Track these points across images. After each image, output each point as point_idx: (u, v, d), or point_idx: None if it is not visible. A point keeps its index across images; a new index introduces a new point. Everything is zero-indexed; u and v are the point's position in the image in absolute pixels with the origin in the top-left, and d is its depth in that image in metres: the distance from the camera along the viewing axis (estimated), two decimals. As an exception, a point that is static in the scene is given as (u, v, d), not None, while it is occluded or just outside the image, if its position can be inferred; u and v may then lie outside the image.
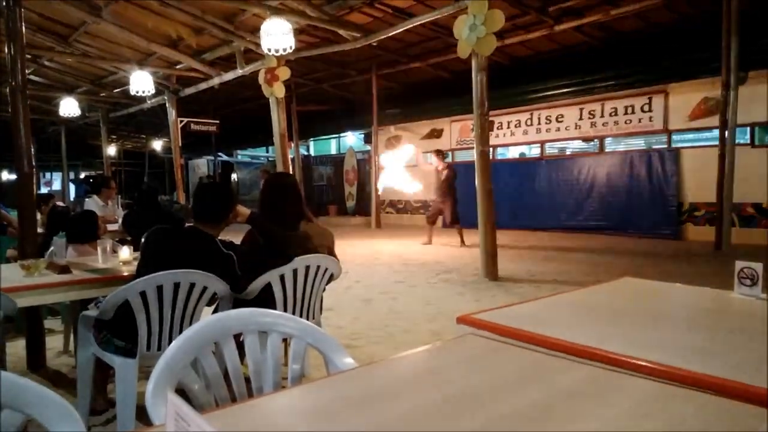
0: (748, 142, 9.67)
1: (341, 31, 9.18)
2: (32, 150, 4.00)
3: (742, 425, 0.98)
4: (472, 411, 1.03)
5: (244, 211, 2.91)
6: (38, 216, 4.93)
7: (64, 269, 2.97)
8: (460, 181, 10.12)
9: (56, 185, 24.44)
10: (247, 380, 1.51)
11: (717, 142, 8.93)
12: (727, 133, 8.58)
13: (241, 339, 1.54)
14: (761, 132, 9.80)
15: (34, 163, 3.97)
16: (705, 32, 9.31)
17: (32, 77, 12.85)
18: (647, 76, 10.60)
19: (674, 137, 10.78)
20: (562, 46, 11.46)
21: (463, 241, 9.91)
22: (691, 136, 10.75)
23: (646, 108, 10.92)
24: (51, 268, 3.01)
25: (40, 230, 4.48)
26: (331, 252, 3.24)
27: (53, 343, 4.14)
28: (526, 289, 6.27)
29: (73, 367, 3.63)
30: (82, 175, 26.22)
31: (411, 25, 8.61)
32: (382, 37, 9.03)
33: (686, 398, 1.07)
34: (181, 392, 1.32)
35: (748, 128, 9.59)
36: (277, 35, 6.99)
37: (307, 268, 2.93)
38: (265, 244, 2.95)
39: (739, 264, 1.87)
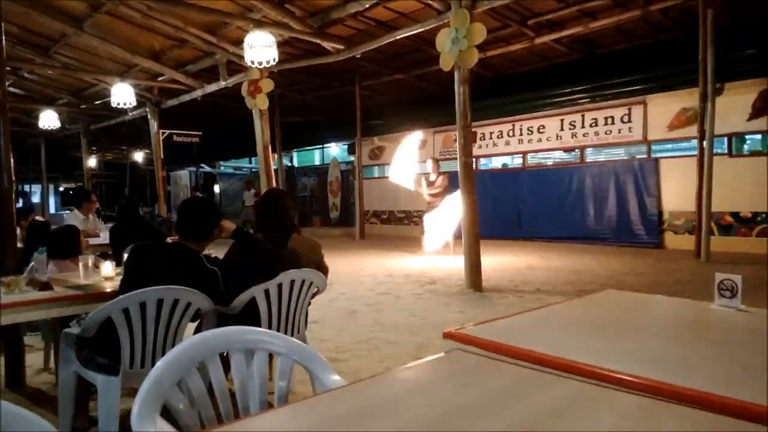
0: (726, 151, 9.83)
1: (324, 44, 9.21)
2: (12, 164, 3.95)
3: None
4: (459, 429, 1.03)
5: (229, 226, 2.90)
6: (17, 231, 4.86)
7: (45, 286, 2.94)
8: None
9: (36, 198, 24.09)
10: (233, 395, 1.50)
11: (695, 152, 9.08)
12: (705, 143, 8.73)
13: (225, 354, 1.54)
14: (738, 142, 9.99)
15: (14, 178, 3.91)
16: (682, 44, 9.49)
17: (12, 89, 12.71)
18: (626, 87, 10.77)
19: (653, 147, 10.94)
20: (543, 58, 11.61)
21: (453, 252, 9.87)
22: (669, 146, 10.92)
23: (625, 119, 11.07)
24: (32, 284, 2.97)
25: (19, 245, 4.42)
26: (319, 266, 3.23)
27: (33, 360, 4.07)
28: (510, 299, 6.30)
29: (54, 385, 3.58)
30: (62, 188, 25.93)
31: (394, 38, 8.66)
32: (366, 49, 9.08)
33: (670, 413, 1.09)
34: (166, 412, 1.32)
35: (726, 138, 9.76)
36: (260, 48, 7.00)
37: (292, 282, 2.92)
38: (250, 259, 2.94)
39: (718, 276, 1.90)
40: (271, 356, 1.65)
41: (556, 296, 6.32)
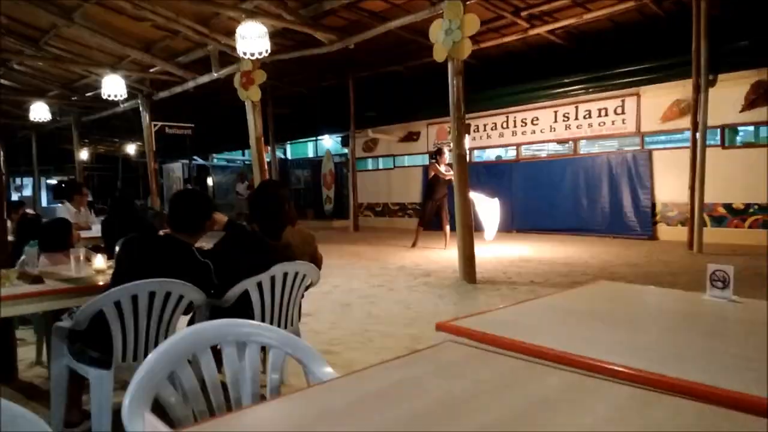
0: (719, 143, 9.87)
1: (317, 35, 9.17)
2: (1, 156, 3.91)
3: (716, 429, 1.00)
4: (451, 421, 1.03)
5: (221, 218, 2.89)
6: (8, 224, 4.82)
7: (37, 279, 2.92)
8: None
9: (27, 191, 23.95)
10: (225, 388, 1.50)
11: (688, 144, 9.10)
12: (698, 134, 8.74)
13: (218, 347, 1.53)
14: (731, 133, 10.02)
15: (3, 170, 3.88)
16: (676, 36, 9.49)
17: (1, 81, 12.60)
18: (620, 79, 10.77)
19: (647, 139, 10.97)
20: (537, 50, 11.60)
21: (446, 245, 9.81)
22: (663, 137, 10.95)
23: (619, 110, 11.09)
24: (23, 277, 2.95)
25: (10, 238, 4.39)
26: (313, 258, 3.22)
27: (25, 354, 4.05)
28: (504, 291, 6.31)
29: (47, 379, 3.57)
30: (54, 181, 25.78)
31: (387, 29, 8.63)
32: (359, 40, 9.04)
33: (662, 403, 1.09)
34: (158, 405, 1.31)
35: (719, 130, 9.79)
36: (253, 38, 6.95)
37: (285, 275, 2.91)
38: (242, 252, 2.93)
39: (710, 267, 1.90)
40: (264, 349, 1.65)
41: (549, 288, 6.34)
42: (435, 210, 10.06)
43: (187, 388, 1.40)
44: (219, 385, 1.48)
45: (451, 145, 9.88)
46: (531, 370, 1.30)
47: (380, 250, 10.27)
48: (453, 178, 9.68)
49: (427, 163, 10.30)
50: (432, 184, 10.04)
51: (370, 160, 16.45)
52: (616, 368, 1.23)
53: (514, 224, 12.64)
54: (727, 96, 9.36)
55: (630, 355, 1.32)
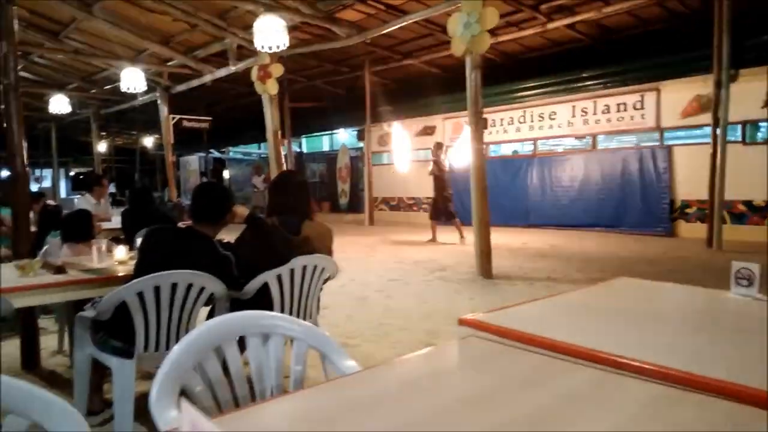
0: (740, 139, 9.73)
1: (334, 28, 9.17)
2: (25, 149, 3.97)
3: (743, 427, 0.99)
4: (475, 416, 1.03)
5: (242, 211, 2.91)
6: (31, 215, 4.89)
7: (60, 269, 2.96)
8: (453, 178, 10.21)
9: (47, 182, 24.22)
10: (249, 379, 1.51)
11: (709, 140, 8.98)
12: (718, 130, 8.63)
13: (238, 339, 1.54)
14: (752, 129, 9.87)
15: (27, 163, 3.94)
16: (697, 31, 9.36)
17: (22, 74, 12.73)
18: (639, 73, 10.65)
19: (666, 135, 10.84)
20: (555, 44, 11.50)
21: (462, 236, 9.86)
22: (682, 133, 10.81)
23: (638, 105, 10.96)
24: (46, 268, 2.99)
25: (32, 229, 4.45)
26: (329, 253, 3.24)
27: (47, 342, 4.12)
28: (521, 287, 6.29)
29: (68, 367, 3.63)
30: (73, 172, 26.08)
31: (404, 23, 8.61)
32: (375, 34, 9.03)
33: (688, 401, 1.09)
34: (183, 395, 1.32)
35: (740, 126, 9.64)
36: (270, 32, 6.96)
37: (304, 268, 2.93)
38: (262, 245, 2.94)
39: (735, 264, 1.88)
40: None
41: (566, 284, 6.31)
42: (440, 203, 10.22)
43: (212, 378, 1.41)
44: (244, 377, 1.49)
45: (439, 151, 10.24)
46: (556, 366, 1.30)
47: (396, 244, 10.28)
48: (436, 172, 10.01)
49: (443, 157, 10.32)
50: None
51: (385, 154, 16.42)
52: (642, 365, 1.22)
53: (531, 219, 12.57)
54: (749, 91, 9.20)
55: (655, 352, 1.31)
